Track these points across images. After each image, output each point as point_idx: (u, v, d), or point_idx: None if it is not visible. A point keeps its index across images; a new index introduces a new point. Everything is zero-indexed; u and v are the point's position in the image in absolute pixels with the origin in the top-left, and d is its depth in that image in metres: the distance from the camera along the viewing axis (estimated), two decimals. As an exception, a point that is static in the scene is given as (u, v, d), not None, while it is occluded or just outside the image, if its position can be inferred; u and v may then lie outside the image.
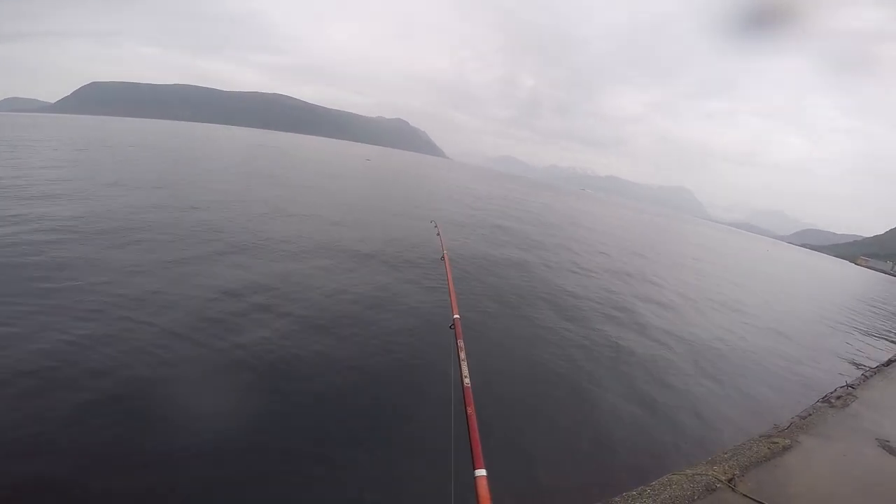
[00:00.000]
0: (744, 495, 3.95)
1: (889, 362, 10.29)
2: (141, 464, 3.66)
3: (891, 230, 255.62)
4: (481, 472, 1.67)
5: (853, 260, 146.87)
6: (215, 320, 6.16)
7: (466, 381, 2.28)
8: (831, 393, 7.90)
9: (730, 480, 4.24)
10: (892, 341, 15.01)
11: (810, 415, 6.46)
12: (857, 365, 10.66)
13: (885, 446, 5.24)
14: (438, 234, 7.23)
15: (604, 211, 63.59)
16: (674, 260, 24.35)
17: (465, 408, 2.09)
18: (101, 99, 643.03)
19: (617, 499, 4.01)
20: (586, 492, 4.25)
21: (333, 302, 7.66)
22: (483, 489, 1.61)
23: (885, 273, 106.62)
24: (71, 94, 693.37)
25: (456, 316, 3.12)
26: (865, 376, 8.96)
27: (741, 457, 4.83)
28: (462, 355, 2.56)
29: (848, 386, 8.27)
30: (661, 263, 20.98)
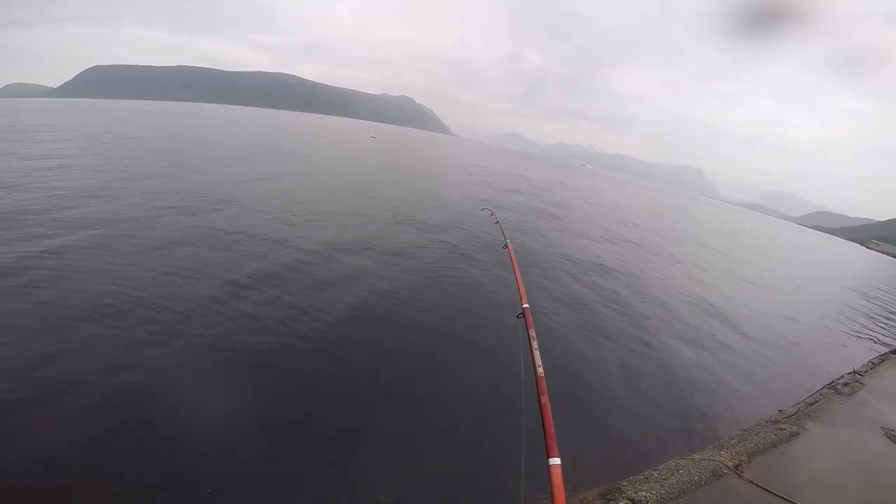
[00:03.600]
0: (750, 482, 4.01)
1: (897, 350, 10.28)
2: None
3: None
4: (555, 461, 1.68)
5: (864, 243, 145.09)
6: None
7: (540, 370, 2.27)
8: (838, 379, 7.92)
9: (736, 466, 4.30)
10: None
11: (817, 401, 6.49)
12: (867, 350, 10.70)
13: (891, 436, 5.28)
14: (497, 222, 7.18)
15: (592, 184, 62.92)
16: (685, 240, 24.20)
17: (539, 397, 2.09)
18: (103, 82, 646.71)
19: (625, 482, 4.08)
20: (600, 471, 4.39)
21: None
22: (557, 477, 1.62)
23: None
24: (73, 78, 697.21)
25: (525, 305, 3.05)
26: (873, 363, 8.96)
27: (748, 442, 4.88)
28: (534, 344, 2.53)
29: (855, 373, 8.29)
30: (664, 243, 20.86)
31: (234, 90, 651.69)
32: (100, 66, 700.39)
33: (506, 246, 5.03)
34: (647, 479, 4.12)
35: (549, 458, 1.71)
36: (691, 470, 4.21)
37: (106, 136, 24.00)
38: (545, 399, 2.05)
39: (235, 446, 3.97)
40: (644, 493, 3.77)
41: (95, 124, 30.15)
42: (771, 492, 3.86)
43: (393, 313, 6.95)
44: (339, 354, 5.62)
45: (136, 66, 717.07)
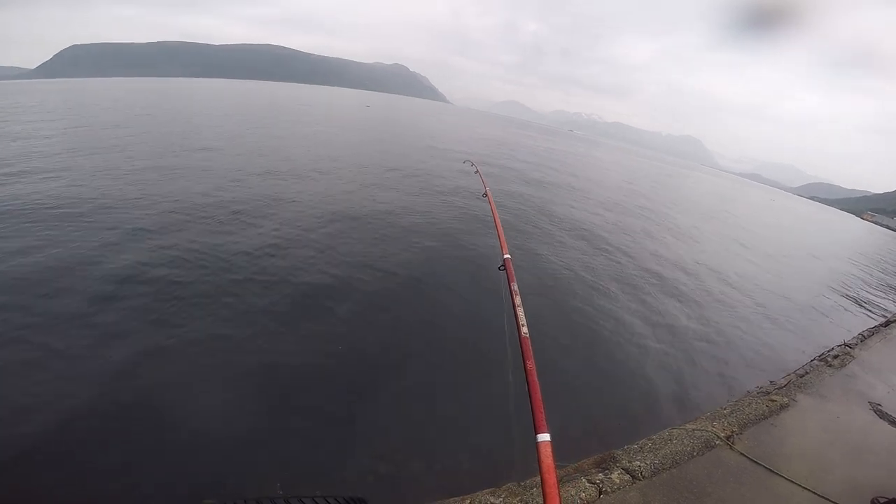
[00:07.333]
0: (741, 454, 4.12)
1: (888, 323, 10.42)
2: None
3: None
4: (544, 437, 1.49)
5: (859, 215, 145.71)
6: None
7: (524, 329, 2.01)
8: (829, 351, 8.06)
9: (728, 437, 4.41)
10: (892, 300, 15.12)
11: (807, 373, 6.61)
12: (858, 321, 10.87)
13: (877, 410, 5.41)
14: (477, 172, 7.04)
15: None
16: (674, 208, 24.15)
17: (524, 361, 1.83)
18: (84, 61, 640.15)
19: (619, 451, 4.18)
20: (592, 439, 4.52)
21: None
22: (547, 457, 1.43)
23: (891, 229, 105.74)
24: (52, 58, 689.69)
25: (506, 256, 2.82)
26: (863, 336, 9.10)
27: (740, 413, 4.98)
28: (517, 300, 2.26)
29: (845, 345, 8.42)
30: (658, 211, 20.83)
31: (223, 64, 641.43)
32: (78, 44, 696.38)
33: (485, 195, 4.88)
34: (640, 448, 4.21)
35: (536, 433, 1.51)
36: (684, 440, 4.31)
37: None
38: (531, 364, 1.82)
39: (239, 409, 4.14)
40: (638, 463, 3.86)
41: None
42: (760, 464, 3.97)
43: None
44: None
45: (117, 44, 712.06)
